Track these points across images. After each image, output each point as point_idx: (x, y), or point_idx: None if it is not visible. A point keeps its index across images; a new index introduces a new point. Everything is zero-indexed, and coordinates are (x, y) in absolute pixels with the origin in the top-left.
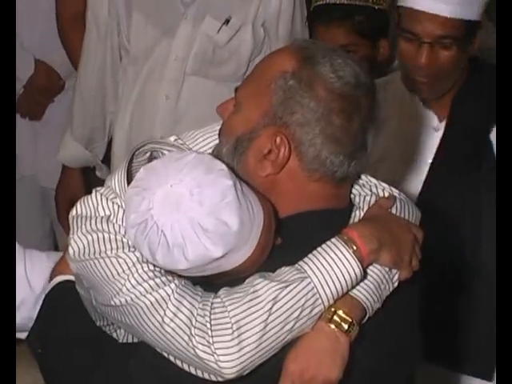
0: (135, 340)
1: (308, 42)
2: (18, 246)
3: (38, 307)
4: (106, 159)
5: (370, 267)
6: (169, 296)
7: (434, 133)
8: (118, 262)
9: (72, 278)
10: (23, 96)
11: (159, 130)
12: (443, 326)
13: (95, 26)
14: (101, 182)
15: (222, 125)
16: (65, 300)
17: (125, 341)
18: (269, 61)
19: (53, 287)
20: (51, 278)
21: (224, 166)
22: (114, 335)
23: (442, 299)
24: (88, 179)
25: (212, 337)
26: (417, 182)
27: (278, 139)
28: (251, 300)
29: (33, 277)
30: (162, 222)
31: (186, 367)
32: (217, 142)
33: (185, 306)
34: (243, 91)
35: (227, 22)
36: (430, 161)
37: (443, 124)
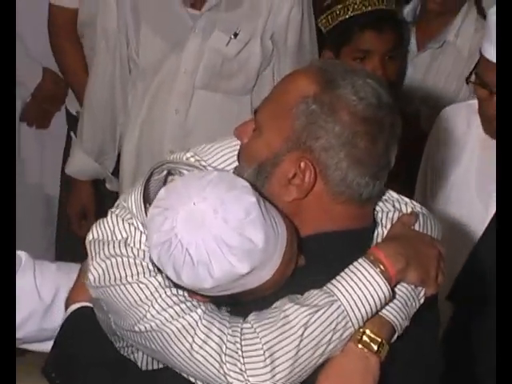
0: (155, 363)
1: (326, 63)
2: (27, 257)
3: (48, 318)
4: (116, 171)
5: (397, 285)
6: (196, 322)
7: None
8: (139, 287)
9: (87, 304)
10: (30, 104)
11: (168, 143)
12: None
13: (104, 38)
14: (111, 194)
15: (241, 149)
16: (82, 326)
17: (144, 363)
18: (289, 83)
19: (68, 316)
20: (66, 307)
21: (247, 183)
22: (132, 357)
23: None
24: (99, 190)
25: (244, 364)
26: (485, 210)
27: (303, 164)
28: (282, 326)
29: (42, 287)
30: (187, 241)
31: None
32: (235, 158)
33: (214, 333)
34: (263, 115)
35: (236, 35)
36: None
37: None
